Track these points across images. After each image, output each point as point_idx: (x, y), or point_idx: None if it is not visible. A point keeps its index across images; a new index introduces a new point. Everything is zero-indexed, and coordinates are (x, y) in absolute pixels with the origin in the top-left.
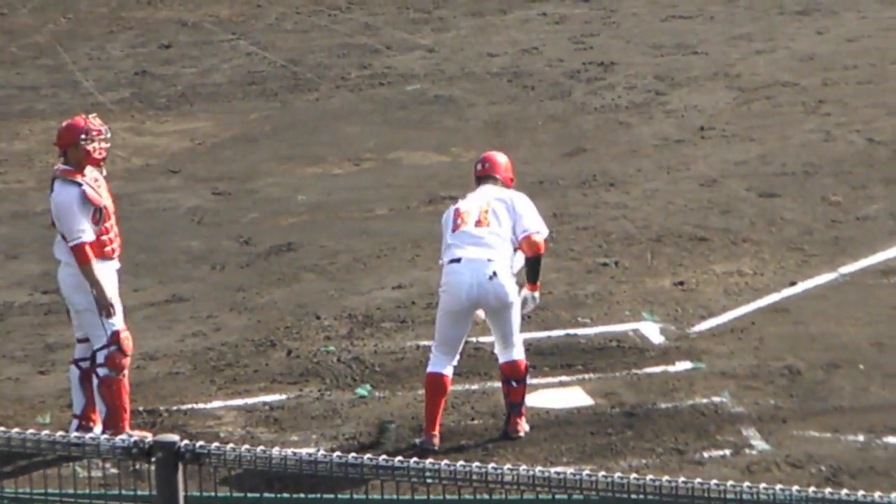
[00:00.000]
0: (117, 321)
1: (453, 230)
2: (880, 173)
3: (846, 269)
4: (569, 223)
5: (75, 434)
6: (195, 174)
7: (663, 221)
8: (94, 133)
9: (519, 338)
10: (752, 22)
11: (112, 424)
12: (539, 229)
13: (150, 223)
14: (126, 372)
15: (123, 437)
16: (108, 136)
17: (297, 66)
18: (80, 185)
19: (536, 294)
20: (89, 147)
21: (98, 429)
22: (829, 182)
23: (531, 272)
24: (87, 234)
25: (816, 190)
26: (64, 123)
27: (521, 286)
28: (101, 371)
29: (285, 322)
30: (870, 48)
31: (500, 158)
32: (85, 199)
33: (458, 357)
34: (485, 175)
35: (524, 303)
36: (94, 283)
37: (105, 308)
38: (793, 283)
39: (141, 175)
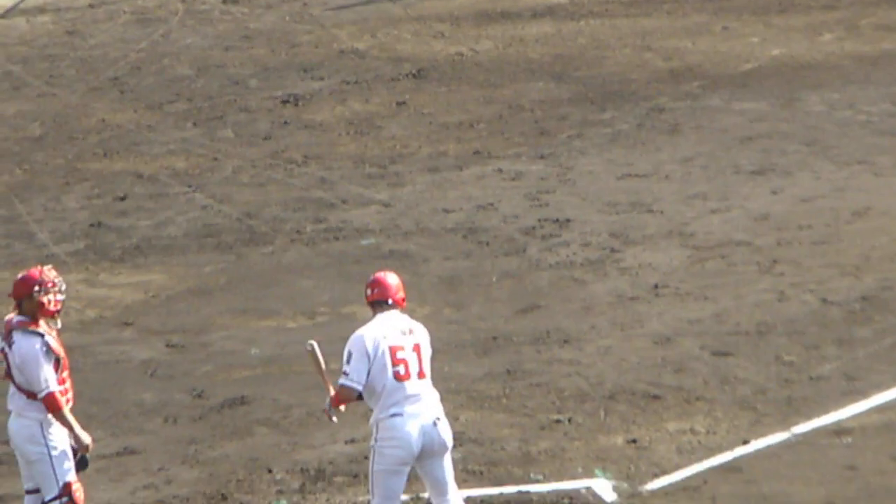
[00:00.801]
0: (69, 473)
1: (395, 378)
2: (833, 333)
3: (799, 428)
4: (522, 379)
5: None
6: (149, 326)
7: (617, 378)
8: (49, 285)
9: (455, 486)
10: (707, 181)
11: None
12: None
13: (102, 375)
14: None
15: None
16: (63, 287)
17: (252, 219)
18: (41, 335)
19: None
20: (43, 299)
21: None
22: (783, 341)
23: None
24: (53, 382)
25: (770, 349)
26: (20, 275)
27: None
28: None
29: (237, 475)
30: (824, 208)
31: (392, 280)
32: (49, 349)
33: None
34: (379, 301)
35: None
36: (70, 426)
37: (85, 446)
38: (745, 442)
39: (94, 327)
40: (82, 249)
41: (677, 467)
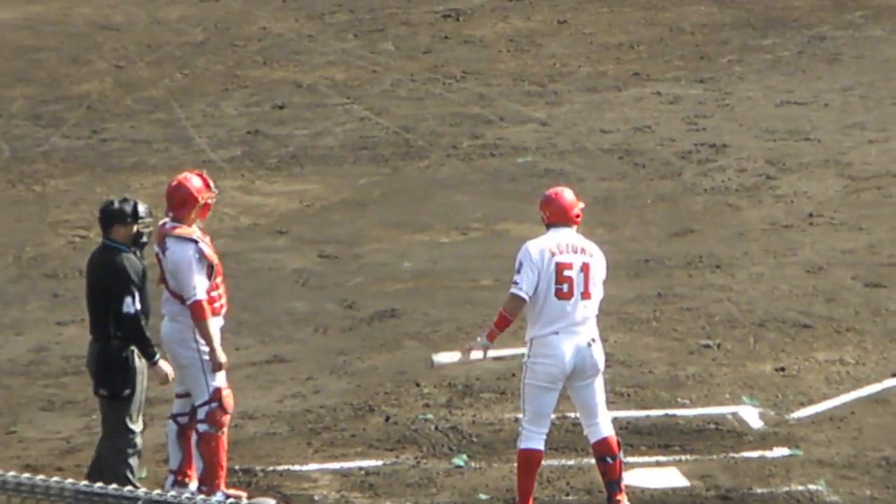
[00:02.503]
0: (219, 378)
1: (556, 296)
2: None
3: None
4: (673, 303)
5: (171, 491)
6: (302, 236)
7: (767, 306)
8: (213, 189)
9: (605, 409)
10: (866, 111)
11: (209, 481)
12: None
13: (254, 282)
14: (225, 430)
15: (219, 495)
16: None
17: (409, 133)
18: (196, 241)
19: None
20: (210, 201)
21: (193, 485)
22: None
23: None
24: (202, 291)
25: None
26: (178, 181)
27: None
28: (202, 427)
29: (385, 388)
30: None
31: (567, 196)
32: (202, 257)
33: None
34: (558, 222)
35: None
36: (209, 340)
37: (217, 365)
38: (894, 375)
39: (248, 234)
40: (239, 156)
41: (825, 397)
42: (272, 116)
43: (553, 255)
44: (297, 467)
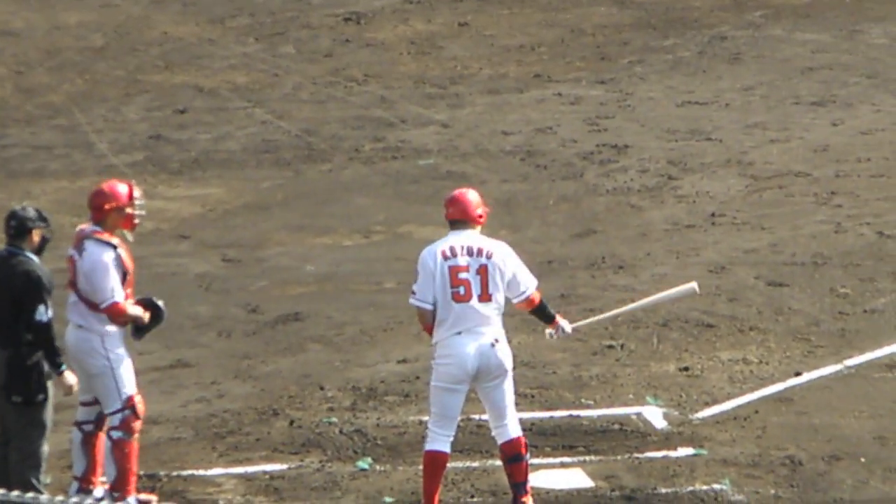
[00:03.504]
0: (130, 385)
1: (454, 299)
2: (889, 267)
3: (852, 361)
4: (576, 304)
5: (74, 498)
6: (205, 240)
7: (670, 306)
8: (138, 199)
9: (514, 411)
10: (768, 111)
11: (120, 487)
12: (531, 284)
13: (158, 287)
14: (136, 436)
15: (131, 500)
16: (144, 203)
17: (311, 136)
18: (115, 246)
19: (563, 323)
20: (134, 212)
21: (98, 491)
22: (838, 274)
23: (544, 315)
24: (119, 294)
25: (825, 281)
26: (106, 186)
27: None
28: (115, 434)
29: (289, 391)
30: (883, 141)
31: (470, 197)
32: (120, 262)
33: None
34: (455, 219)
35: (558, 332)
36: (138, 317)
37: (140, 319)
38: (798, 374)
39: (151, 239)
40: (141, 161)
41: (729, 396)
42: (174, 121)
43: (446, 258)
44: (201, 472)
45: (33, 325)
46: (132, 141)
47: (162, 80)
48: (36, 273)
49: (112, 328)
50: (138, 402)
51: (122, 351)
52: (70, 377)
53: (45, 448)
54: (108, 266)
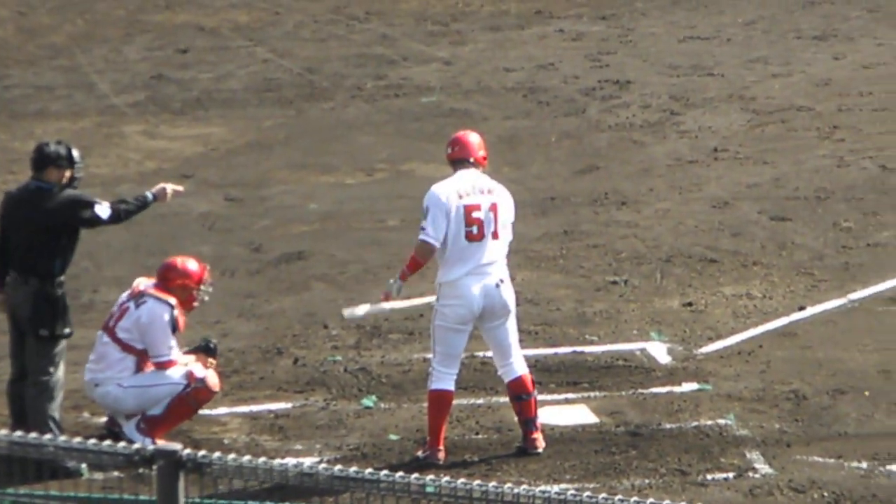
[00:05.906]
0: (176, 376)
1: (466, 238)
2: (892, 200)
3: (855, 295)
4: (579, 240)
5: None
6: (208, 179)
7: (674, 242)
8: (208, 285)
9: (518, 349)
10: (769, 45)
11: (153, 426)
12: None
13: (160, 227)
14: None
15: (149, 440)
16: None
17: (313, 74)
18: (173, 306)
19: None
20: (199, 296)
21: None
22: (841, 208)
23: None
24: (176, 352)
25: (828, 215)
26: (180, 262)
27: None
28: (188, 390)
29: (293, 330)
30: (885, 75)
31: (473, 138)
32: (175, 324)
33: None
34: (460, 159)
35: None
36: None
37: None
38: (801, 308)
39: (153, 179)
40: (142, 101)
41: (732, 331)
42: (175, 60)
43: (461, 197)
44: (206, 411)
45: (102, 222)
46: (133, 81)
47: (163, 20)
48: (70, 195)
49: (125, 372)
50: (204, 377)
51: (136, 375)
52: (161, 187)
53: (62, 378)
54: (167, 324)
